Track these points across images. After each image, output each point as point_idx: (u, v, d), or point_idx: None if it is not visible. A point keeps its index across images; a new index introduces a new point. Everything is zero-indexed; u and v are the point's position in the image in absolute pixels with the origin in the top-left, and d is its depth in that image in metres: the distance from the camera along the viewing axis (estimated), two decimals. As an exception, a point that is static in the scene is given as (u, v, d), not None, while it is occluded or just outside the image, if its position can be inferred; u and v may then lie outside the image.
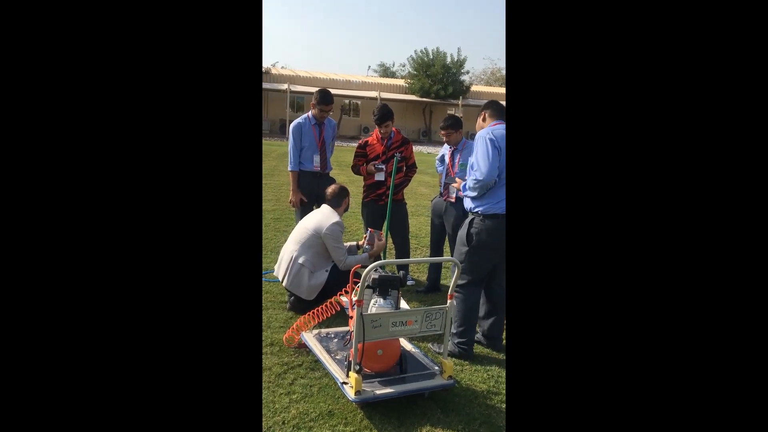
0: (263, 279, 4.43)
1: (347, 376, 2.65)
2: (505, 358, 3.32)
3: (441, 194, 4.42)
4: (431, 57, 26.95)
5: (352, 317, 2.74)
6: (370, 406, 2.63)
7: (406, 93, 27.51)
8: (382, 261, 3.11)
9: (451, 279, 3.27)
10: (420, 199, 9.36)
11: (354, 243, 4.28)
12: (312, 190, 4.54)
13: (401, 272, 4.60)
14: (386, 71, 40.97)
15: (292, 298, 3.88)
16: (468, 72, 28.09)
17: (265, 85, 23.61)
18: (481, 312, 3.45)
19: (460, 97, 26.53)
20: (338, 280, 3.71)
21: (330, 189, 4.09)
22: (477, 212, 3.20)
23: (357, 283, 2.70)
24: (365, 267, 2.87)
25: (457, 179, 4.04)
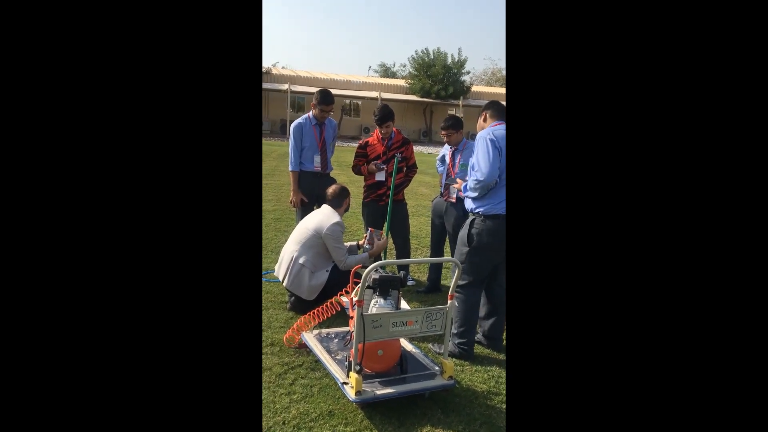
0: (264, 279, 4.43)
1: (348, 376, 2.65)
2: (505, 358, 3.32)
3: (441, 194, 4.42)
4: (432, 57, 26.95)
5: (352, 317, 2.74)
6: (370, 406, 2.63)
7: (406, 93, 27.52)
8: (383, 261, 3.11)
9: (451, 279, 3.27)
10: (420, 199, 9.36)
11: (354, 243, 4.28)
12: (313, 190, 4.54)
13: (402, 272, 4.60)
14: (387, 71, 40.98)
15: (293, 298, 3.88)
16: (468, 72, 28.15)
17: (265, 86, 23.62)
18: (482, 312, 3.45)
19: (461, 98, 26.52)
20: (339, 280, 3.71)
21: (331, 189, 4.09)
22: (478, 213, 3.20)
23: (357, 283, 2.70)
24: (366, 267, 2.87)
25: (458, 180, 4.04)
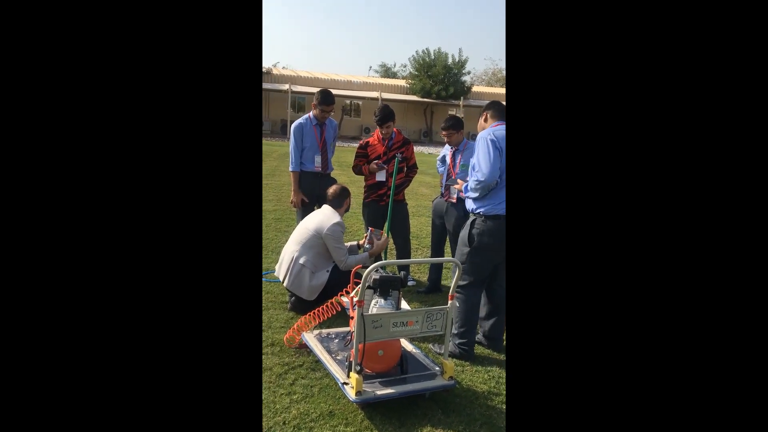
0: (264, 279, 4.43)
1: (348, 376, 2.65)
2: (505, 358, 3.32)
3: (442, 195, 4.42)
4: (433, 57, 26.96)
5: (352, 318, 2.74)
6: (370, 406, 2.63)
7: (407, 93, 27.52)
8: (383, 261, 3.11)
9: (452, 280, 3.27)
10: (421, 199, 9.36)
11: (355, 243, 4.28)
12: (313, 190, 4.54)
13: (402, 273, 4.60)
14: (387, 72, 40.99)
15: (293, 298, 3.89)
16: (469, 72, 28.11)
17: (266, 86, 23.64)
18: (482, 313, 3.45)
19: (461, 98, 26.53)
20: (339, 280, 3.71)
21: (331, 189, 4.09)
22: (479, 213, 3.20)
23: (358, 283, 2.70)
24: (366, 267, 2.87)
25: (458, 180, 4.04)
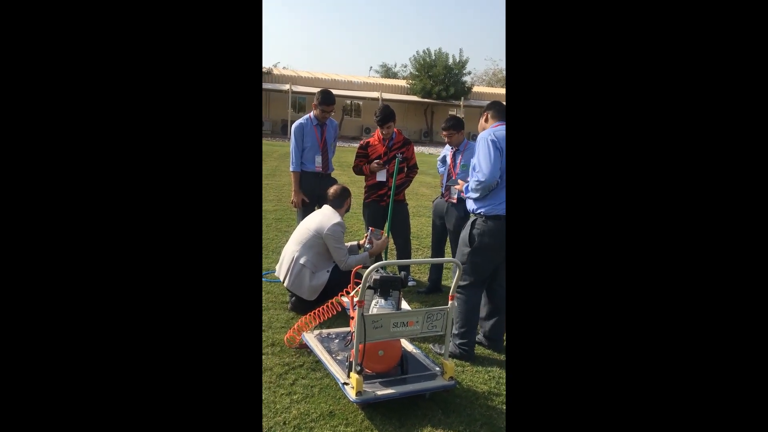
0: (264, 279, 4.43)
1: (348, 376, 2.65)
2: (505, 359, 3.32)
3: (442, 195, 4.42)
4: (433, 58, 26.95)
5: (353, 318, 2.74)
6: (371, 406, 2.63)
7: (407, 94, 27.52)
8: (384, 262, 3.11)
9: (452, 280, 3.27)
10: (421, 199, 9.36)
11: (355, 243, 4.28)
12: (314, 190, 4.54)
13: (402, 273, 4.60)
14: (388, 72, 40.98)
15: (294, 298, 3.89)
16: (470, 73, 28.08)
17: (266, 86, 23.64)
18: (483, 313, 3.45)
19: (462, 98, 26.52)
20: (339, 280, 3.71)
21: (332, 190, 4.09)
22: (479, 213, 3.21)
23: (358, 283, 2.70)
24: (366, 267, 2.87)
25: (459, 181, 4.04)
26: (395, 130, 4.51)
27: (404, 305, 3.01)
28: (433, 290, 4.51)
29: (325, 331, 3.32)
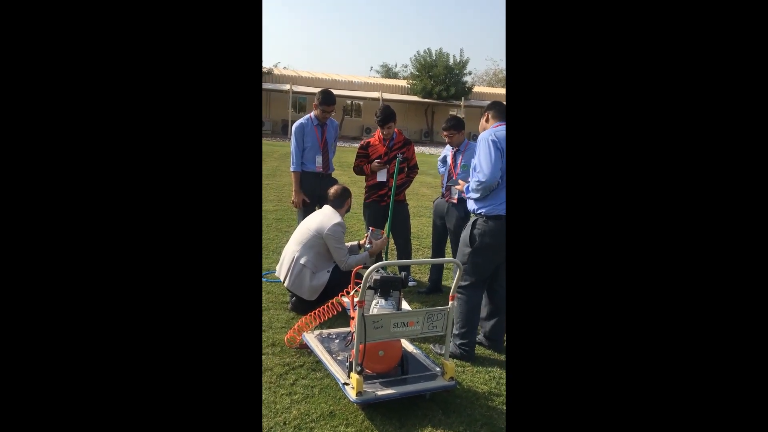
0: (265, 279, 4.43)
1: (348, 376, 2.65)
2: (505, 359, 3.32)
3: (443, 195, 4.42)
4: (434, 58, 26.94)
5: (353, 318, 2.74)
6: (371, 407, 2.63)
7: (408, 94, 27.52)
8: (384, 262, 3.11)
9: (452, 280, 3.27)
10: (422, 200, 9.36)
11: (355, 243, 4.28)
12: (314, 190, 4.54)
13: (403, 273, 4.60)
14: (388, 72, 40.97)
15: (294, 298, 3.89)
16: (470, 73, 28.05)
17: (267, 86, 23.65)
18: (483, 313, 3.45)
19: (463, 98, 26.51)
20: (340, 280, 3.71)
21: (332, 190, 4.09)
22: (480, 213, 3.20)
23: (358, 283, 2.70)
24: (367, 267, 2.86)
25: (460, 181, 4.04)
26: (396, 130, 4.51)
27: (404, 305, 3.01)
28: (433, 290, 4.51)
29: (325, 331, 3.32)
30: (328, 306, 3.23)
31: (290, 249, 3.94)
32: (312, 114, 4.58)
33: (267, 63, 27.26)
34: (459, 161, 4.24)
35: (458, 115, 4.89)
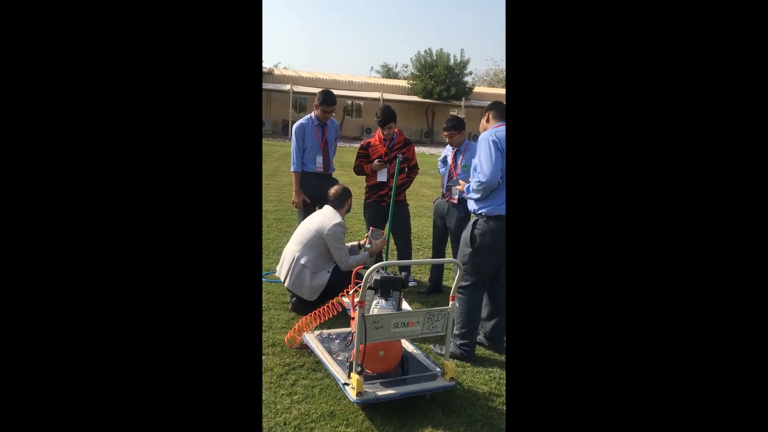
0: (265, 280, 4.43)
1: (349, 377, 2.65)
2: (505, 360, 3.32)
3: (443, 195, 4.42)
4: (434, 58, 26.94)
5: (353, 318, 2.74)
6: (371, 407, 2.63)
7: (408, 94, 27.51)
8: (385, 262, 3.11)
9: (453, 280, 3.27)
10: (422, 200, 9.35)
11: (356, 243, 4.28)
12: (315, 190, 4.54)
13: (403, 273, 4.60)
14: (389, 72, 40.97)
15: (294, 298, 3.89)
16: (471, 73, 28.04)
17: (267, 86, 23.65)
18: (484, 313, 3.45)
19: (463, 99, 26.51)
20: (340, 281, 3.71)
21: (333, 190, 4.09)
22: (481, 214, 3.20)
23: (359, 284, 2.70)
24: (367, 267, 2.86)
25: (461, 181, 4.04)
26: (396, 130, 4.51)
27: (405, 306, 3.01)
28: (433, 291, 4.50)
29: (325, 331, 3.32)
30: (328, 306, 3.23)
31: (290, 249, 3.94)
32: (312, 114, 4.58)
33: (267, 63, 27.30)
34: (459, 161, 4.24)
35: (459, 116, 4.89)
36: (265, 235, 5.92)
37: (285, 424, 2.46)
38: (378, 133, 4.53)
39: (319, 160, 4.53)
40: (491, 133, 3.16)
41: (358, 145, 4.83)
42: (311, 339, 3.17)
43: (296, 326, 3.26)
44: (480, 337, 3.47)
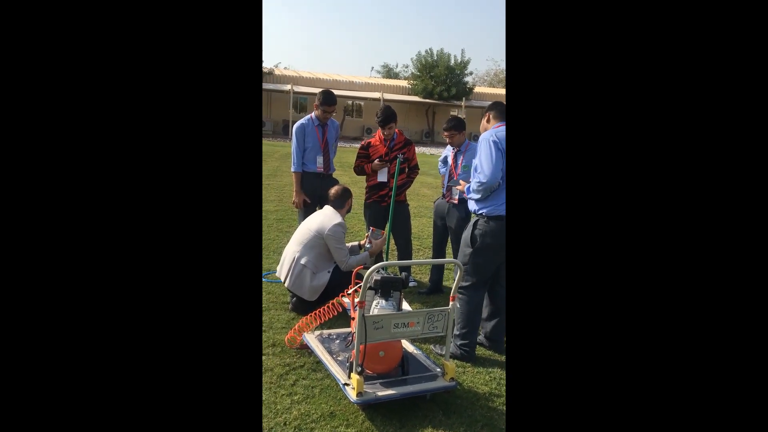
0: (265, 280, 4.43)
1: (349, 377, 2.65)
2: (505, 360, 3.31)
3: (444, 196, 4.42)
4: (435, 58, 26.93)
5: (354, 318, 2.74)
6: (371, 407, 2.62)
7: (409, 94, 27.51)
8: (385, 262, 3.11)
9: (453, 281, 3.27)
10: (422, 200, 9.35)
11: (356, 243, 4.28)
12: (315, 191, 4.54)
13: (403, 273, 4.60)
14: (389, 72, 40.98)
15: (294, 299, 3.89)
16: (471, 73, 28.04)
17: (268, 86, 23.66)
18: (484, 314, 3.45)
19: (464, 99, 26.51)
20: (340, 281, 3.71)
21: (333, 190, 4.09)
22: (481, 214, 3.20)
23: (359, 284, 2.70)
24: (367, 268, 2.86)
25: (461, 182, 4.04)
26: (396, 130, 4.51)
27: (405, 306, 3.01)
28: (434, 291, 4.50)
29: (325, 331, 3.32)
30: (328, 306, 3.23)
31: (291, 249, 3.94)
32: (313, 114, 4.58)
33: (268, 63, 27.31)
34: (460, 162, 4.24)
35: (459, 116, 4.89)
36: (265, 235, 5.92)
37: (285, 424, 2.46)
38: (378, 134, 4.53)
39: (320, 160, 4.53)
40: (492, 133, 3.16)
41: (358, 146, 4.83)
42: (311, 339, 3.17)
43: (296, 326, 3.26)
44: (480, 338, 3.47)
